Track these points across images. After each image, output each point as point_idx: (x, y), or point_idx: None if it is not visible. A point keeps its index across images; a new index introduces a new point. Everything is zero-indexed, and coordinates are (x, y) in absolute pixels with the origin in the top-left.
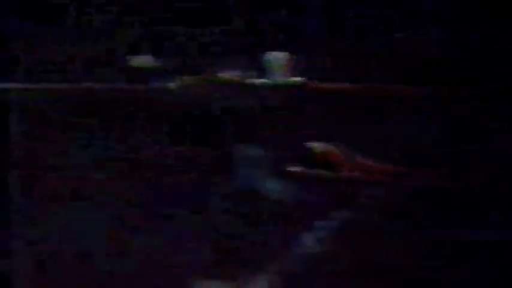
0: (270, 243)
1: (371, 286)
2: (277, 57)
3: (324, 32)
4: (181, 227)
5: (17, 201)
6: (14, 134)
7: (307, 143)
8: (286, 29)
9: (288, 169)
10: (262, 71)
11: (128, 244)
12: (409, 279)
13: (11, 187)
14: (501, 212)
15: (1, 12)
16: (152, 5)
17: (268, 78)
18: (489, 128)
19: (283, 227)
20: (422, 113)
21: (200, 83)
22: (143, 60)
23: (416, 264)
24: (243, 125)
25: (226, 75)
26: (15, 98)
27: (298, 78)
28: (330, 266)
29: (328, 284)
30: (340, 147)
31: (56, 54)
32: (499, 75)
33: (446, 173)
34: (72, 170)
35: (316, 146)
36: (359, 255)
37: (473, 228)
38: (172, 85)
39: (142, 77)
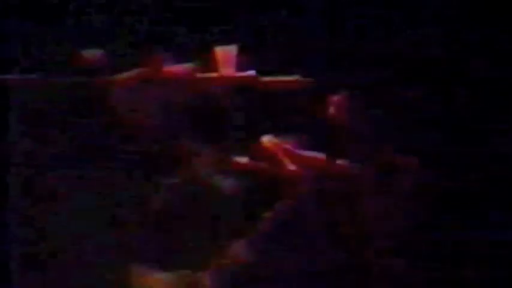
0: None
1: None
2: (226, 51)
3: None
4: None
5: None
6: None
7: (260, 137)
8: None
9: (236, 161)
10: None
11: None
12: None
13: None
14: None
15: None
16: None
17: (217, 72)
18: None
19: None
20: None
21: (139, 78)
22: (93, 55)
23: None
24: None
25: (172, 69)
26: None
27: (248, 72)
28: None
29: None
30: (288, 142)
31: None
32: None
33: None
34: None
35: (264, 139)
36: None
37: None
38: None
39: (92, 71)
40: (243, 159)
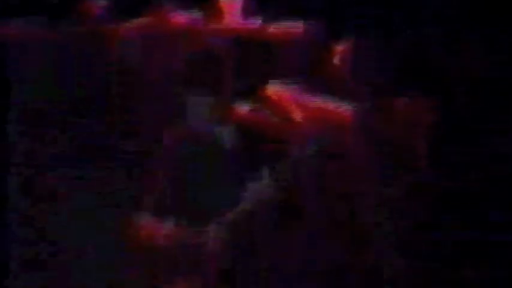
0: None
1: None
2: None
3: None
4: None
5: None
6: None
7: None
8: None
9: (238, 111)
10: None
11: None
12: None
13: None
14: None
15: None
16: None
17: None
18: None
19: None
20: None
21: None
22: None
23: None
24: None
25: (177, 18)
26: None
27: (253, 21)
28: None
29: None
30: (294, 89)
31: None
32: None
33: None
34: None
35: (269, 87)
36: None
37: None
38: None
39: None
40: (245, 108)
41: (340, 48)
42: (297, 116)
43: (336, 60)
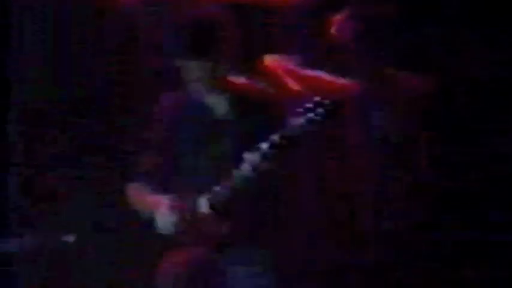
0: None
1: None
2: None
3: None
4: None
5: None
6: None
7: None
8: None
9: (232, 81)
10: None
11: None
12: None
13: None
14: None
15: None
16: None
17: None
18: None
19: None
20: None
21: None
22: None
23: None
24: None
25: None
26: None
27: None
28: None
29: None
30: (291, 61)
31: None
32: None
33: None
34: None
35: (267, 58)
36: None
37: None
38: None
39: None
40: (241, 79)
41: (338, 18)
42: (294, 87)
43: (334, 30)
